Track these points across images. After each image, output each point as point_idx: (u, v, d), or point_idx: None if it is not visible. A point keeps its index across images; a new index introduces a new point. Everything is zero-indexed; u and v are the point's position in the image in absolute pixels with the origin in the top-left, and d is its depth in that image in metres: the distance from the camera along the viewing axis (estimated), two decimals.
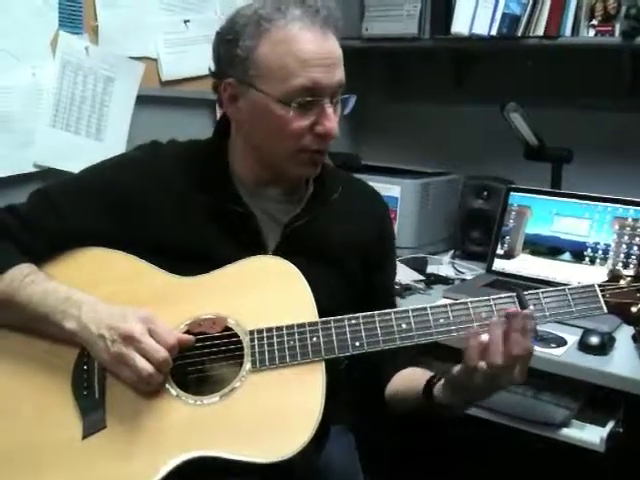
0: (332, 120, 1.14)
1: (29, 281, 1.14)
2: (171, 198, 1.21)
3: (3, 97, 1.75)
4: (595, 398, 1.55)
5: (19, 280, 1.14)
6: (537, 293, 1.14)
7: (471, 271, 2.18)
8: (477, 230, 2.28)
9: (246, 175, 1.24)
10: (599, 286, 1.15)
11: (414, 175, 2.35)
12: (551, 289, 1.15)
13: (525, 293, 1.13)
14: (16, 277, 1.15)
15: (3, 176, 1.75)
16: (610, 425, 1.49)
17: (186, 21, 2.09)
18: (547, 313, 1.13)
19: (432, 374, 1.21)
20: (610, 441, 1.46)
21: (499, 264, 2.10)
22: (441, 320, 1.12)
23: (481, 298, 1.13)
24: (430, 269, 2.16)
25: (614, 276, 1.17)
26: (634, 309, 1.13)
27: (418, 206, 2.28)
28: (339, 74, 1.15)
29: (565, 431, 1.49)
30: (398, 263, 2.11)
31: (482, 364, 1.06)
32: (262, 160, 1.22)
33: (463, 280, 2.11)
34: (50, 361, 1.13)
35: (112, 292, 1.15)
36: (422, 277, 2.08)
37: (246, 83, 1.15)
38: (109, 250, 1.19)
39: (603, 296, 1.14)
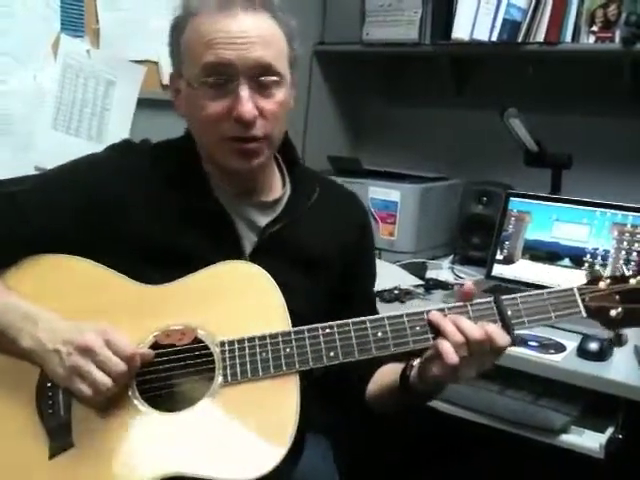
0: (244, 103, 1.08)
1: None
2: (144, 197, 1.17)
3: (4, 99, 1.75)
4: (594, 404, 1.55)
5: None
6: (515, 298, 1.10)
7: (470, 276, 2.18)
8: (477, 235, 2.28)
9: (217, 177, 1.21)
10: (578, 289, 1.12)
11: (414, 180, 2.35)
12: (529, 293, 1.11)
13: (503, 298, 1.10)
14: None
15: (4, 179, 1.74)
16: (609, 431, 1.49)
17: None
18: (525, 319, 1.09)
19: (404, 365, 1.18)
20: (609, 447, 1.46)
21: (498, 269, 2.10)
22: (417, 328, 1.08)
23: (457, 304, 1.11)
24: (429, 274, 2.16)
25: (593, 278, 1.14)
26: (613, 312, 1.10)
27: (418, 211, 2.29)
28: (255, 53, 1.08)
29: (564, 437, 1.50)
30: (398, 268, 2.14)
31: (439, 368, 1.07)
32: (206, 155, 1.20)
33: (462, 285, 2.10)
34: (13, 377, 1.08)
35: (77, 302, 1.11)
36: (421, 282, 2.08)
37: (177, 74, 1.17)
38: (73, 257, 1.14)
39: (582, 300, 1.10)
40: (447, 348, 1.04)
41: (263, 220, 1.22)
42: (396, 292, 1.93)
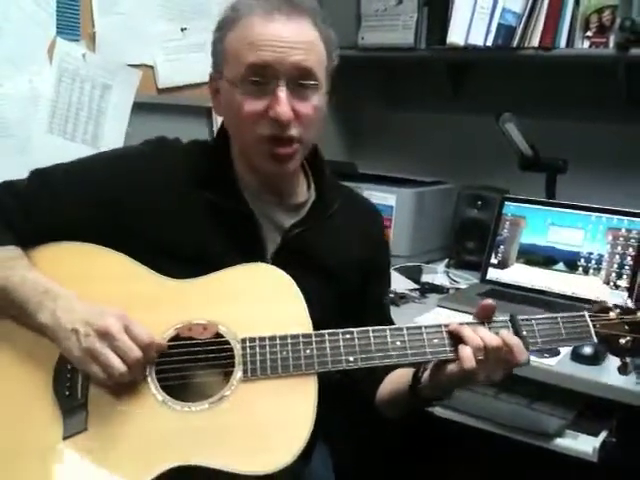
0: (282, 104, 1.12)
1: (9, 266, 1.13)
2: (172, 196, 1.20)
3: (0, 103, 1.75)
4: (588, 408, 1.55)
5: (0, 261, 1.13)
6: (530, 319, 1.15)
7: (465, 280, 2.19)
8: (472, 239, 2.29)
9: (247, 177, 1.24)
10: (590, 316, 1.17)
11: (409, 184, 2.36)
12: (543, 316, 1.17)
13: (519, 318, 1.14)
14: None
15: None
16: (603, 435, 1.50)
17: (183, 29, 2.09)
18: (539, 340, 1.14)
19: (416, 368, 1.21)
20: (603, 451, 1.46)
21: (493, 273, 2.11)
22: (435, 340, 1.12)
23: (474, 321, 1.14)
24: (425, 278, 2.17)
25: (603, 308, 1.19)
26: (622, 341, 1.15)
27: (413, 215, 2.29)
28: (296, 57, 1.12)
29: (558, 441, 1.50)
30: (393, 272, 2.13)
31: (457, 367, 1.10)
32: (242, 155, 1.22)
33: (457, 289, 2.12)
34: (34, 355, 1.10)
35: (103, 290, 1.13)
36: (417, 286, 2.09)
37: (218, 74, 1.19)
38: (103, 248, 1.16)
39: (594, 326, 1.16)
40: (467, 352, 1.08)
41: (287, 222, 1.24)
42: (391, 296, 1.93)
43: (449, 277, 2.23)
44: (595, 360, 1.55)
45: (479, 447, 1.69)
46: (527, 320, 1.15)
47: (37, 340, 1.10)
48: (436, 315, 1.87)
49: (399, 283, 2.06)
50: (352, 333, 1.11)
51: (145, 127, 1.99)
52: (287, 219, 1.25)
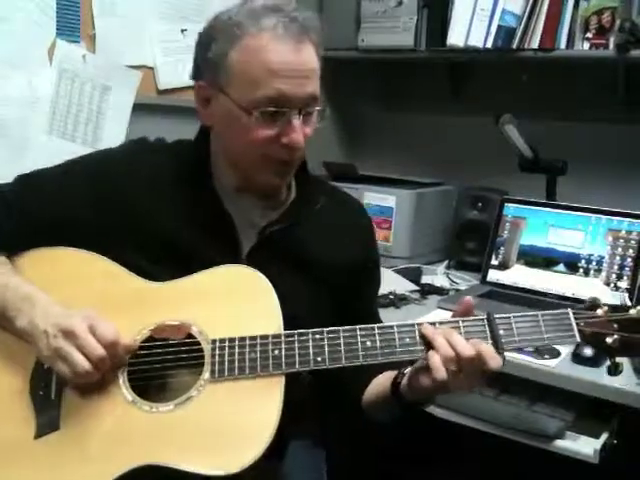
0: (297, 132, 1.14)
1: None
2: (153, 195, 1.21)
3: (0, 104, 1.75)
4: (589, 409, 1.55)
5: None
6: (509, 317, 1.10)
7: (465, 282, 2.19)
8: (472, 241, 2.29)
9: (225, 177, 1.24)
10: (574, 314, 1.11)
11: (409, 185, 2.35)
12: (523, 314, 1.11)
13: (496, 316, 1.10)
14: None
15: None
16: (604, 437, 1.49)
17: (183, 30, 2.09)
18: (517, 338, 1.09)
19: (396, 374, 1.19)
20: (604, 452, 1.46)
21: (493, 275, 2.10)
22: (407, 340, 1.09)
23: (449, 319, 1.11)
24: (425, 279, 2.17)
25: (592, 305, 1.13)
26: (609, 340, 1.08)
27: (413, 216, 2.29)
28: (310, 87, 1.14)
29: (559, 442, 1.49)
30: (393, 273, 2.14)
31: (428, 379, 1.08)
32: (232, 164, 1.23)
33: (457, 290, 2.11)
34: (13, 356, 1.13)
35: (82, 294, 1.15)
36: (417, 287, 2.08)
37: (216, 87, 1.17)
38: (85, 252, 1.18)
39: (577, 324, 1.10)
40: (436, 362, 1.05)
41: (264, 221, 1.25)
42: (391, 297, 1.94)
43: (449, 278, 2.22)
44: (595, 361, 1.54)
45: (479, 449, 1.68)
46: (505, 318, 1.10)
47: (17, 342, 1.12)
48: (436, 316, 1.86)
49: (399, 284, 2.05)
50: (322, 333, 1.10)
51: (145, 128, 1.96)
52: (265, 218, 1.25)
